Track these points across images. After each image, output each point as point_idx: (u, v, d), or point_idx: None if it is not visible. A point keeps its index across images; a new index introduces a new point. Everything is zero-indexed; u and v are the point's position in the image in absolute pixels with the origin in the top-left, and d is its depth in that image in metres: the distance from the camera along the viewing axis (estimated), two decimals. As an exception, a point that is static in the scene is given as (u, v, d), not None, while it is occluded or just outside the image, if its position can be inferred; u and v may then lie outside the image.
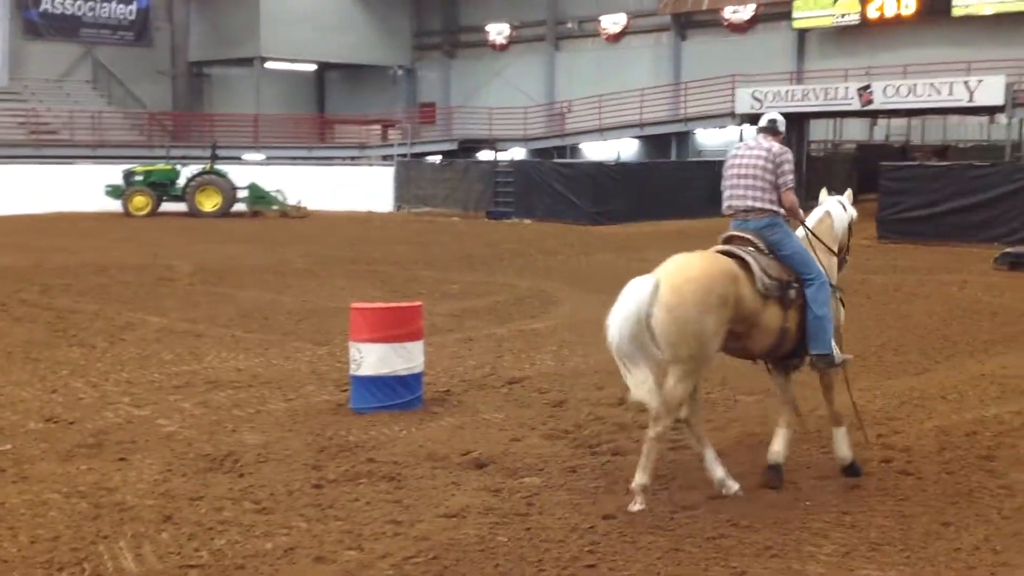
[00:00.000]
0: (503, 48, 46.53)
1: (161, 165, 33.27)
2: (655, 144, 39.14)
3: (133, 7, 45.20)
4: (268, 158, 39.61)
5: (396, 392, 8.17)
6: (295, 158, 40.34)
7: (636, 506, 5.85)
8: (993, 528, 5.64)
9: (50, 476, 6.46)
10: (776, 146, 6.46)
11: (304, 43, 44.66)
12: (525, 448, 7.13)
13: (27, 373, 9.50)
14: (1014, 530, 5.60)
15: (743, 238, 6.36)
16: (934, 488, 6.28)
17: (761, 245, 6.31)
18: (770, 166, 6.36)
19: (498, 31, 46.46)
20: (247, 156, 39.62)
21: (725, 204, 6.50)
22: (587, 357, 10.49)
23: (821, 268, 6.45)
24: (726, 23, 39.76)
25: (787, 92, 33.85)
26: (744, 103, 33.99)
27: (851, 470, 6.49)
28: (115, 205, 31.87)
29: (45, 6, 43.13)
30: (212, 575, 5.00)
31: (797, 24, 37.46)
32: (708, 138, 39.65)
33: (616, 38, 43.16)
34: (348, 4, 46.36)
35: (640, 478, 5.91)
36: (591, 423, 7.81)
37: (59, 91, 43.34)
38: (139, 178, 32.37)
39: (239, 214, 32.36)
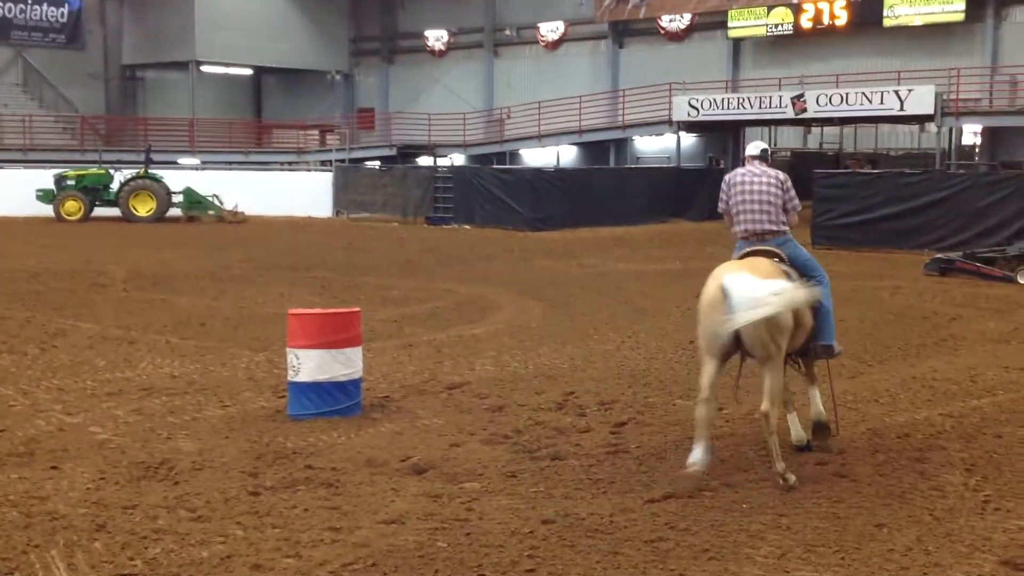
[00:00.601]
0: (442, 54, 46.48)
1: (94, 169, 32.72)
2: (594, 151, 39.36)
3: (64, 9, 44.32)
4: (204, 163, 39.12)
5: (334, 398, 8.11)
6: (231, 163, 39.89)
7: (791, 481, 6.34)
8: (925, 529, 5.75)
9: (-22, 486, 6.31)
10: (780, 173, 7.19)
11: (240, 47, 44.20)
12: (465, 453, 7.12)
13: (-46, 381, 9.27)
14: (946, 531, 5.71)
15: (765, 251, 6.97)
16: (868, 490, 6.38)
17: (783, 255, 6.99)
18: (779, 191, 7.08)
19: (436, 37, 46.40)
20: (182, 160, 39.10)
21: (741, 228, 7.09)
22: (526, 362, 10.52)
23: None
24: (663, 32, 40.14)
25: (723, 100, 34.27)
26: (681, 110, 34.34)
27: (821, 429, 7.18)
28: (47, 210, 31.28)
29: (-27, 7, 42.18)
30: (147, 584, 4.91)
31: (732, 33, 37.92)
32: (646, 145, 39.98)
33: (554, 45, 43.34)
34: (284, 8, 45.97)
35: (779, 466, 6.37)
36: (530, 428, 7.82)
37: (-12, 94, 42.43)
38: (71, 182, 31.81)
39: (174, 219, 31.92)
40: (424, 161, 40.12)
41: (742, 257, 6.96)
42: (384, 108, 47.11)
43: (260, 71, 48.60)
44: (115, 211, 31.52)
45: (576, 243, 25.67)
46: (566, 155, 40.70)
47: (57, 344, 11.19)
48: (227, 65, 46.16)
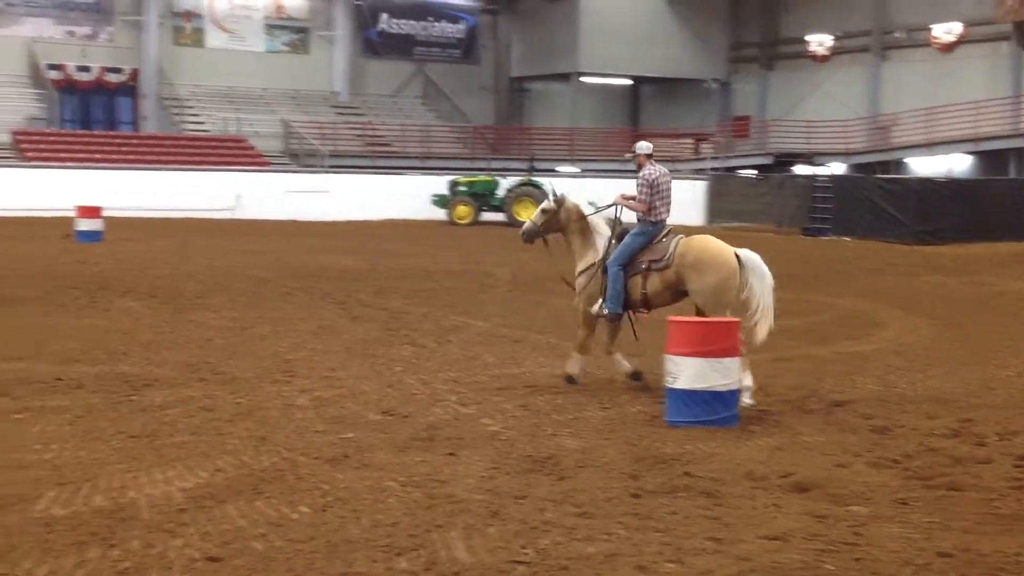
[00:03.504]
0: (824, 59, 45.00)
1: (483, 176, 34.77)
2: (989, 160, 36.49)
3: (462, 26, 47.61)
4: (582, 171, 40.44)
5: (712, 407, 8.07)
6: (608, 171, 40.91)
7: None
8: None
9: (388, 465, 6.87)
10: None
11: (620, 58, 45.24)
12: (850, 475, 6.83)
13: (366, 368, 10.20)
14: None
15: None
16: None
17: None
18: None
19: (819, 42, 44.99)
20: (561, 168, 40.64)
21: (666, 214, 9.38)
22: (915, 384, 9.93)
23: None
24: (1078, 29, 36.44)
25: None
26: (1097, 116, 31.00)
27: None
28: (440, 213, 33.64)
29: (383, 26, 46.31)
30: (538, 573, 5.12)
31: None
32: (1053, 154, 36.48)
33: (949, 47, 40.61)
34: (665, 18, 46.50)
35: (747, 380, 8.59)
36: (922, 454, 7.36)
37: (393, 106, 46.42)
38: (463, 188, 33.99)
39: (553, 224, 33.16)
40: (801, 170, 39.04)
41: (667, 234, 9.27)
42: (761, 115, 46.37)
43: (638, 80, 49.48)
44: (500, 216, 33.32)
45: (969, 258, 23.87)
46: (959, 165, 38.03)
47: (451, 339, 12.01)
48: (606, 76, 47.44)
